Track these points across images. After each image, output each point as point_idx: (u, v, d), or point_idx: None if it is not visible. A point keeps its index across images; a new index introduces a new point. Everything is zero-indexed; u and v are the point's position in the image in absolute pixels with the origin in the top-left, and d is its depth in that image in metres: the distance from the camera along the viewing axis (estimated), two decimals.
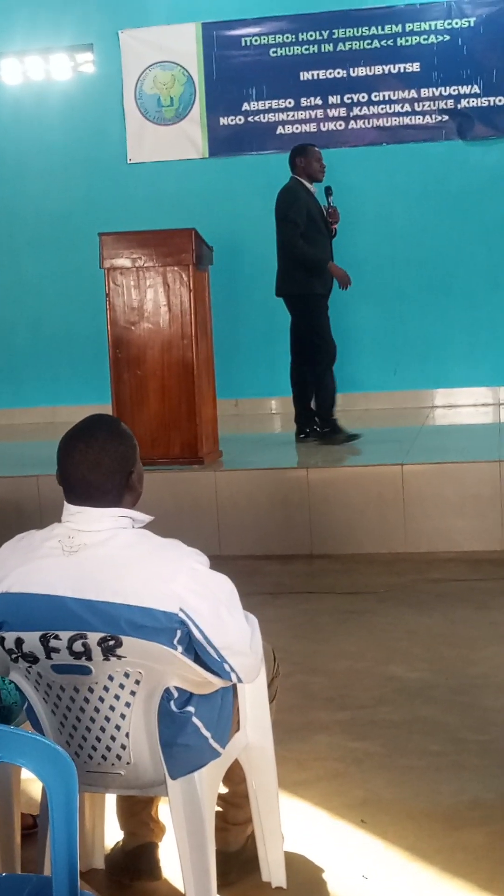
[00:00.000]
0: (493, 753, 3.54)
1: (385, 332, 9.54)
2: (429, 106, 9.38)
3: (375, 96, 9.43)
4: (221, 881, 2.64)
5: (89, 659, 2.38)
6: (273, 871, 2.82)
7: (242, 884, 2.82)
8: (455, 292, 9.45)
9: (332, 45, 9.43)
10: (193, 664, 2.43)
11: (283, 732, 3.28)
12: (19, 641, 2.39)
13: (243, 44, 9.53)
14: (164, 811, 2.82)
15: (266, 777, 2.78)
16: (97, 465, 2.46)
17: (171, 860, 2.77)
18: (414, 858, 2.94)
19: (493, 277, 9.36)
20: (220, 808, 2.80)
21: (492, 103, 9.30)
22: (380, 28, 9.34)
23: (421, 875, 2.86)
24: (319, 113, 9.51)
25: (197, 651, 2.43)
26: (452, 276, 9.45)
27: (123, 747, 2.46)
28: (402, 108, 9.41)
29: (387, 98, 9.42)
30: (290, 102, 9.53)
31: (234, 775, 2.76)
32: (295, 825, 3.07)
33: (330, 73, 9.47)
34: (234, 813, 2.87)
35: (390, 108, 9.43)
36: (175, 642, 2.39)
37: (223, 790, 2.79)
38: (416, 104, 9.39)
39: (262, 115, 9.58)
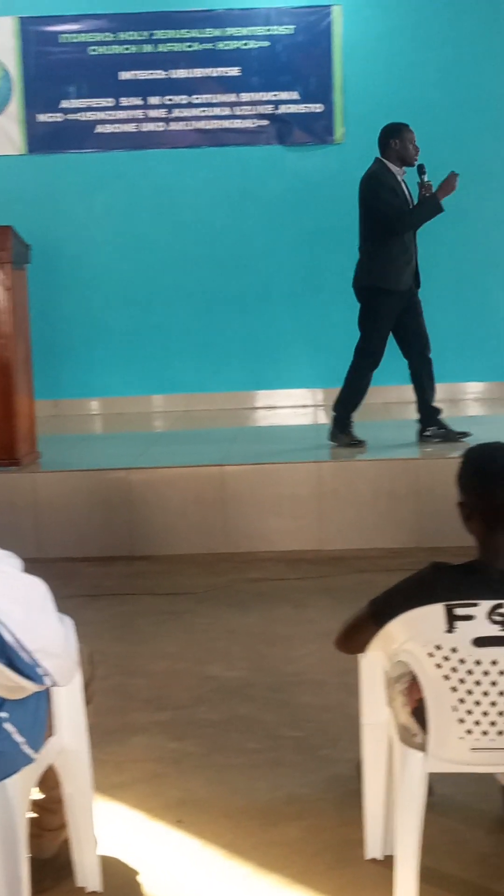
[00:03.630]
0: (308, 749, 3.61)
1: (206, 334, 9.58)
2: (249, 110, 9.47)
3: (196, 99, 9.46)
4: (35, 888, 2.60)
5: None
6: (88, 876, 2.79)
7: (57, 890, 2.78)
8: (274, 295, 9.55)
9: (152, 45, 9.42)
10: (5, 668, 2.38)
11: (100, 735, 3.26)
12: None
13: (61, 41, 9.41)
14: None
15: (80, 781, 2.75)
16: None
17: None
18: (230, 855, 2.96)
19: (313, 281, 9.49)
20: (34, 814, 2.76)
21: (310, 110, 9.45)
22: (200, 31, 9.38)
23: (237, 871, 2.89)
24: (139, 113, 9.47)
25: (9, 655, 2.39)
26: (272, 279, 9.55)
27: None
28: (221, 111, 9.47)
29: (207, 101, 9.46)
30: (109, 101, 9.46)
31: (49, 780, 2.72)
32: (112, 828, 3.05)
33: (150, 74, 9.44)
34: (49, 818, 2.83)
35: (210, 111, 9.47)
36: None
37: (37, 795, 2.75)
38: (235, 108, 9.46)
39: (81, 114, 9.48)
